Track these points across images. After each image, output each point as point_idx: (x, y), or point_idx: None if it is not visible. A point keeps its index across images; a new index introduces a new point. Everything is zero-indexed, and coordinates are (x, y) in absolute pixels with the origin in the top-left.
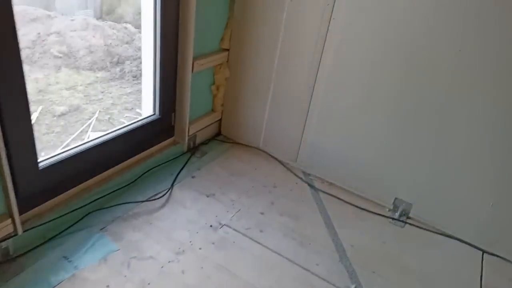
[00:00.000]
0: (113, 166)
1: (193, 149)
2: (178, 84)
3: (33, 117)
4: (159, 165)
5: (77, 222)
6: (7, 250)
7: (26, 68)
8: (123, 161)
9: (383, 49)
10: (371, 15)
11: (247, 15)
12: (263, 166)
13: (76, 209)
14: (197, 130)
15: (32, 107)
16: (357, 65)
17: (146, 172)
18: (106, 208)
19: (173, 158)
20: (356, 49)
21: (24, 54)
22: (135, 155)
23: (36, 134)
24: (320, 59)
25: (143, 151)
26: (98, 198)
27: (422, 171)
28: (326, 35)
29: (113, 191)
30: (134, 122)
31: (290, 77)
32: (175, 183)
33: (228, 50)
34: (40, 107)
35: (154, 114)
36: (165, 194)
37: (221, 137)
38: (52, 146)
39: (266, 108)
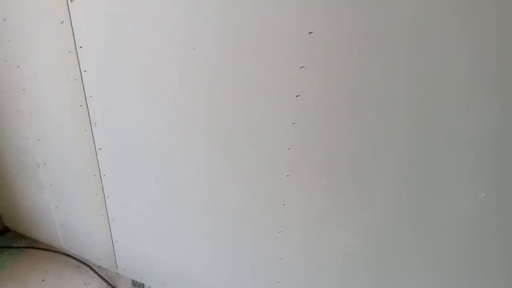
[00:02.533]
0: None
1: None
2: None
3: None
4: None
5: None
6: None
7: None
8: None
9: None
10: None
11: None
12: (63, 287)
13: None
14: None
15: None
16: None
17: None
18: None
19: None
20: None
21: None
22: None
23: None
24: (88, 110)
25: None
26: None
27: None
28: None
29: None
30: None
31: (57, 142)
32: None
33: None
34: None
35: None
36: None
37: (8, 237)
38: None
39: (43, 193)
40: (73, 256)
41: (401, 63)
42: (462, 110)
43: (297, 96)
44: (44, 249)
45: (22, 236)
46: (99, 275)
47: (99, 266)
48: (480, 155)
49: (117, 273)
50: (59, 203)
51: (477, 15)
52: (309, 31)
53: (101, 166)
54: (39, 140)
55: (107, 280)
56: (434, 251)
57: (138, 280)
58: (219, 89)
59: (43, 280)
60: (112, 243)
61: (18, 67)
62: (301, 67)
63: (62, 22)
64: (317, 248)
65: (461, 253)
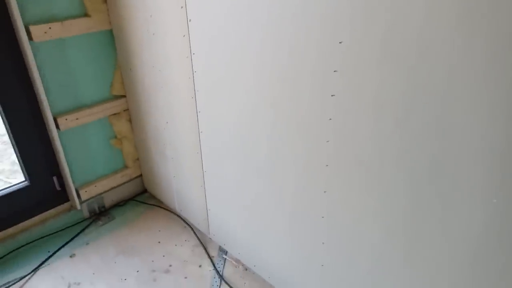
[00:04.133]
0: None
1: (99, 214)
2: (53, 144)
3: None
4: (49, 234)
5: None
6: None
7: None
8: None
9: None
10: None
11: (128, 54)
12: (172, 239)
13: None
14: (103, 190)
15: None
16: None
17: (26, 245)
18: None
19: (70, 226)
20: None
21: None
22: (4, 228)
23: None
24: (196, 103)
25: (19, 222)
26: None
27: None
28: (194, 76)
29: None
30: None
31: (177, 126)
32: (43, 265)
33: (124, 96)
34: None
35: (25, 180)
36: (14, 283)
37: (145, 196)
38: None
39: (168, 164)
40: (182, 217)
41: (412, 68)
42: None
43: (332, 95)
44: (165, 209)
45: (153, 197)
46: (197, 236)
47: (198, 229)
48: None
49: (209, 238)
50: (177, 174)
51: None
52: (339, 41)
53: (202, 147)
54: (167, 123)
55: (202, 242)
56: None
57: (222, 246)
58: (279, 90)
59: (159, 231)
60: (207, 210)
61: (156, 67)
62: (334, 71)
63: (184, 36)
64: (356, 227)
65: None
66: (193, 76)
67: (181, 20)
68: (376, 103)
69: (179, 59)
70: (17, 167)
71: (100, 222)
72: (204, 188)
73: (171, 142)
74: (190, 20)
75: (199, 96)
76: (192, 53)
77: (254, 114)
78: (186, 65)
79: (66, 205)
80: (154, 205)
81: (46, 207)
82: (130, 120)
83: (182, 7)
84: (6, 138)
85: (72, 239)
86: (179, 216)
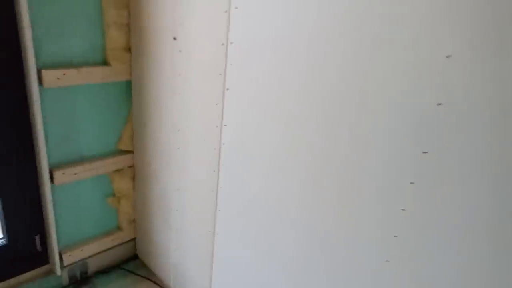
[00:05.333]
0: None
1: (80, 282)
2: (42, 199)
3: None
4: None
5: None
6: None
7: None
8: None
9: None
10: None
11: (145, 109)
12: None
13: None
14: (89, 255)
15: None
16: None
17: None
18: None
19: None
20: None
21: None
22: None
23: None
24: (218, 178)
25: None
26: None
27: None
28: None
29: None
30: None
31: (190, 197)
32: None
33: (131, 152)
34: None
35: (2, 238)
36: None
37: (135, 263)
38: None
39: (170, 234)
40: None
41: None
42: None
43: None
44: (157, 284)
45: (144, 265)
46: None
47: None
48: None
49: None
50: (179, 247)
51: None
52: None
53: (217, 226)
54: (178, 190)
55: None
56: None
57: None
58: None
59: None
60: None
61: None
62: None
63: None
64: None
65: None
66: (220, 148)
67: (217, 87)
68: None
69: (206, 128)
70: None
71: None
72: (212, 271)
73: (179, 211)
74: (227, 89)
75: (223, 171)
76: (223, 124)
77: (281, 206)
78: (214, 135)
79: (44, 268)
80: (144, 277)
81: (22, 269)
82: (133, 178)
83: (220, 74)
84: None
85: None
86: None
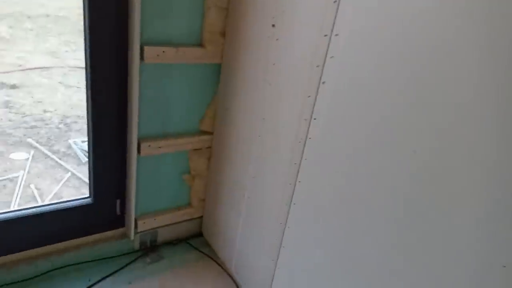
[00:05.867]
0: (23, 250)
1: (149, 249)
2: (127, 167)
3: None
4: (90, 261)
5: None
6: None
7: None
8: (36, 246)
9: None
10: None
11: (230, 93)
12: None
13: None
14: (161, 225)
15: None
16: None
17: (63, 267)
18: None
19: (116, 256)
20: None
21: None
22: (54, 242)
23: None
24: (299, 172)
25: (67, 239)
26: None
27: None
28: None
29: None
30: (58, 203)
31: (265, 187)
32: None
33: (211, 133)
34: None
35: (88, 197)
36: None
37: (200, 240)
38: None
39: (238, 219)
40: (237, 282)
41: None
42: None
43: None
44: (218, 264)
45: (208, 245)
46: None
47: None
48: None
49: None
50: (245, 234)
51: None
52: None
53: (289, 219)
54: (253, 177)
55: None
56: None
57: None
58: None
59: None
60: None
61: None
62: None
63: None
64: None
65: None
66: (305, 142)
67: (312, 80)
68: None
69: (293, 120)
70: (71, 151)
71: (148, 260)
72: (276, 263)
73: (251, 199)
74: (323, 82)
75: (304, 165)
76: (313, 118)
77: (366, 210)
78: (301, 128)
79: (119, 231)
80: (207, 255)
81: (101, 228)
82: (209, 159)
83: (318, 66)
84: (68, 120)
85: (116, 271)
86: (233, 279)
